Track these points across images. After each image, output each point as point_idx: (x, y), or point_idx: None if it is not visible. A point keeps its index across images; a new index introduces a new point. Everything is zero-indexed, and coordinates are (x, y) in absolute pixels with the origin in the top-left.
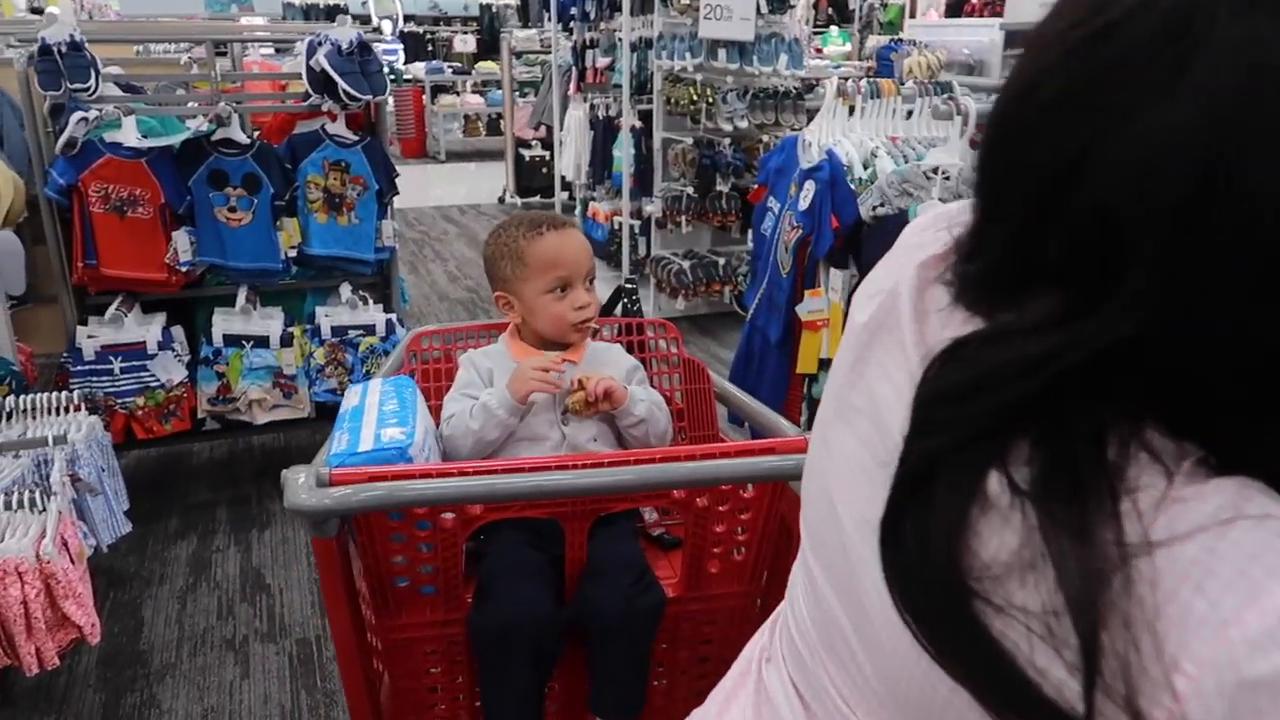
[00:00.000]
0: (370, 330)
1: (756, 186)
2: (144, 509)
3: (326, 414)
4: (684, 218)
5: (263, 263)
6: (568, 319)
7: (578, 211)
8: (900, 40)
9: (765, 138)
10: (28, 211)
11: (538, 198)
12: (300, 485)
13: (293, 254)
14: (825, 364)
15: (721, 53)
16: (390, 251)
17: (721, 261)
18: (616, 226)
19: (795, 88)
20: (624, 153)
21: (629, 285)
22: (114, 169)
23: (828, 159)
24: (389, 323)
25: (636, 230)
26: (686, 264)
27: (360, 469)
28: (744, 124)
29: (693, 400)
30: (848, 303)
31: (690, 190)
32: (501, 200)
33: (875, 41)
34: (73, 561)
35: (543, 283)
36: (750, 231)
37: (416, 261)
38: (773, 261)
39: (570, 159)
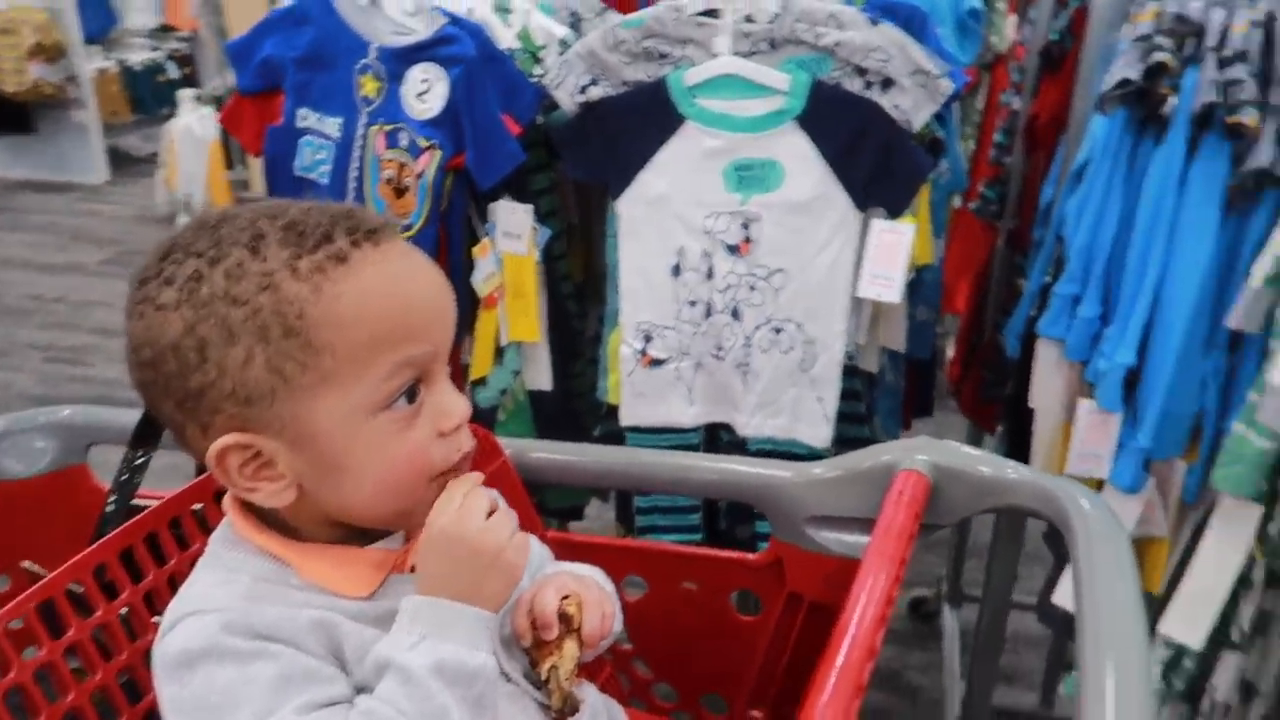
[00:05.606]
0: None
1: (235, 96)
2: None
3: None
4: None
5: None
6: (432, 457)
7: None
8: None
9: None
10: None
11: None
12: None
13: None
14: (502, 354)
15: None
16: None
17: None
18: None
19: None
20: None
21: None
22: None
23: (452, 23)
24: None
25: None
26: None
27: None
28: None
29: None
30: (543, 253)
31: None
32: None
33: None
34: None
35: (372, 382)
36: (266, 170)
37: None
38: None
39: None
